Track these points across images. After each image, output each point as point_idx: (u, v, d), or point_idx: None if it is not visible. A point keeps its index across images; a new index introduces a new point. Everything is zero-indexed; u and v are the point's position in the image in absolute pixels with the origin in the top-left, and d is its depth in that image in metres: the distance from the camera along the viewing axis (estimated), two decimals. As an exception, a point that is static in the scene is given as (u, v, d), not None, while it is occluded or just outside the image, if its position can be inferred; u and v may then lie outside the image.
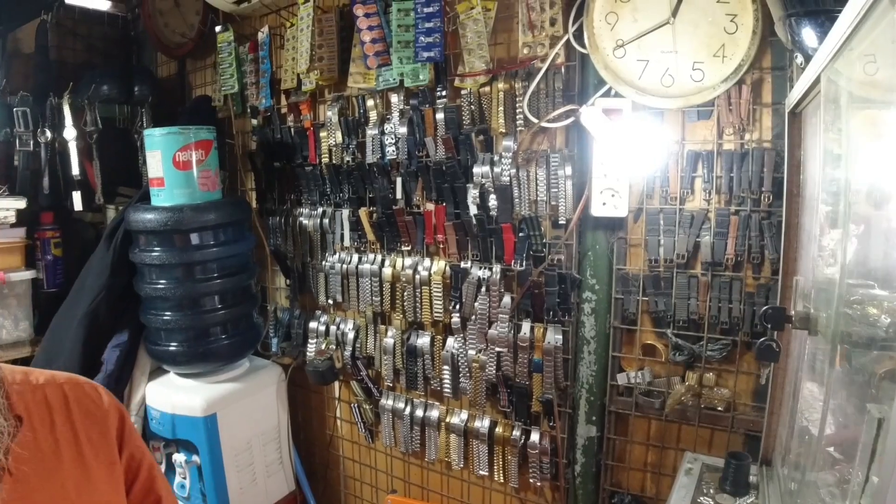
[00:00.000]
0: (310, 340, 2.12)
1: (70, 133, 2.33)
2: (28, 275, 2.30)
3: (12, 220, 2.23)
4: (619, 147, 1.45)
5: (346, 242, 2.04)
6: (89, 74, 2.46)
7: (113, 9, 2.88)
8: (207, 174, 1.96)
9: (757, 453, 1.31)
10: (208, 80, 2.47)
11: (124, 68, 2.68)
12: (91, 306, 2.02)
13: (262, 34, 2.11)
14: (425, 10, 1.67)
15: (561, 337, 1.59)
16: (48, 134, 2.34)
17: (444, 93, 1.75)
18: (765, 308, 0.96)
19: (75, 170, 2.36)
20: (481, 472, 1.81)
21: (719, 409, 1.43)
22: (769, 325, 0.93)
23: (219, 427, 1.90)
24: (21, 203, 2.24)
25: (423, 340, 1.85)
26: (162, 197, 1.91)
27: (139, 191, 2.39)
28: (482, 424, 1.77)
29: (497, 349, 1.67)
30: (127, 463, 0.81)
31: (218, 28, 2.20)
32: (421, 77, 1.75)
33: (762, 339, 0.97)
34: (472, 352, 1.74)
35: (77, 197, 2.37)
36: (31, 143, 2.32)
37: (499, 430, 1.75)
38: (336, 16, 1.93)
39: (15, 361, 2.20)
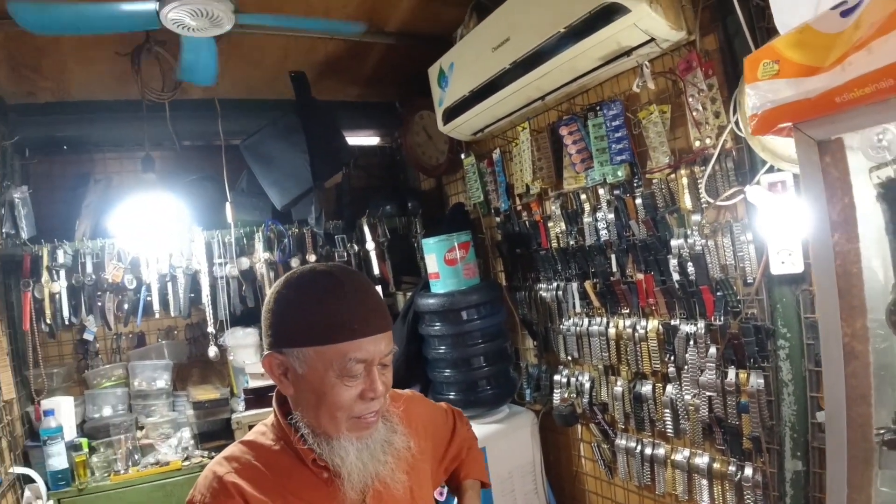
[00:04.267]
0: (555, 390, 2.68)
1: (370, 245, 3.35)
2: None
3: (338, 310, 3.29)
4: (785, 214, 1.78)
5: (577, 309, 2.59)
6: (375, 199, 3.52)
7: (381, 142, 4.00)
8: (469, 266, 2.73)
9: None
10: (460, 190, 3.31)
11: (397, 189, 3.72)
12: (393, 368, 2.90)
13: (495, 155, 2.86)
14: (613, 123, 2.21)
15: (762, 381, 1.90)
16: (355, 247, 3.39)
17: (639, 183, 2.24)
18: None
19: (375, 270, 3.36)
20: (705, 504, 2.14)
21: (919, 441, 1.61)
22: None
23: (487, 458, 2.55)
24: (343, 298, 3.29)
25: (646, 388, 2.28)
26: (438, 286, 2.73)
27: (418, 279, 3.29)
28: (702, 461, 2.10)
29: (707, 394, 2.03)
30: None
31: (462, 155, 3.03)
32: (619, 174, 2.26)
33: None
34: (687, 396, 2.12)
35: (378, 289, 3.37)
36: (346, 254, 3.39)
37: (716, 465, 2.06)
38: (548, 133, 2.57)
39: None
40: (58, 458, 2.72)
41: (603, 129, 2.26)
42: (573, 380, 2.62)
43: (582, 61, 2.14)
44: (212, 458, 2.80)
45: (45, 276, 2.88)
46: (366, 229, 3.40)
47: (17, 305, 3.01)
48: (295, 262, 3.24)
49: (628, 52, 2.03)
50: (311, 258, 3.26)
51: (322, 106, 3.12)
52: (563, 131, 2.39)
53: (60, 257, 2.92)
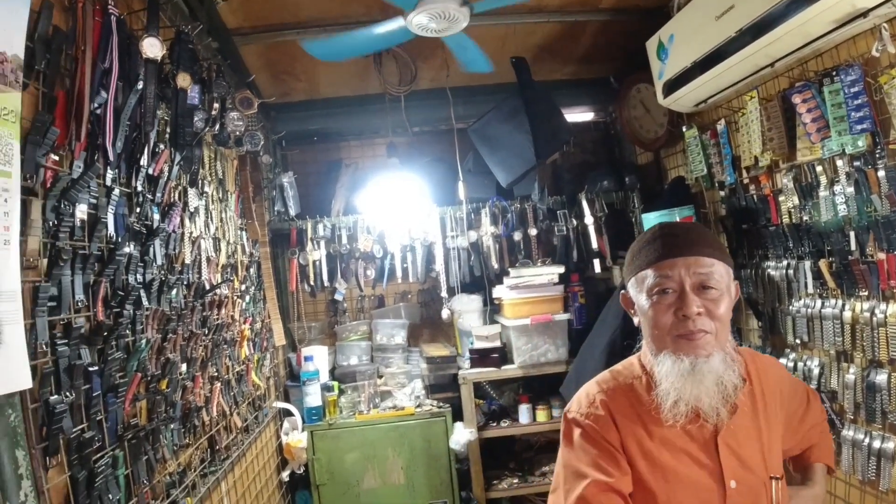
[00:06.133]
0: (780, 374, 2.66)
1: (588, 219, 3.56)
2: (565, 316, 3.55)
3: (555, 280, 3.54)
4: None
5: (809, 289, 2.52)
6: (593, 175, 3.71)
7: (595, 117, 4.15)
8: (686, 242, 2.80)
9: None
10: (679, 163, 3.34)
11: (614, 164, 3.85)
12: (611, 337, 3.09)
13: (720, 126, 2.85)
14: (851, 90, 2.12)
15: None
16: (573, 221, 3.62)
17: (882, 153, 2.12)
18: None
19: (594, 244, 3.56)
20: (929, 506, 2.01)
21: None
22: None
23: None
24: (560, 269, 3.55)
25: (881, 377, 2.17)
26: (653, 262, 2.85)
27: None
28: (933, 459, 2.00)
29: (951, 388, 1.92)
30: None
31: (684, 128, 3.06)
32: (859, 144, 2.16)
33: None
34: (927, 389, 2.01)
35: (596, 263, 3.57)
36: (565, 229, 3.64)
37: (949, 465, 1.95)
38: (778, 101, 2.50)
39: (555, 374, 3.48)
40: (314, 397, 3.47)
41: (840, 95, 2.17)
42: (801, 364, 2.57)
43: (814, 26, 2.09)
44: (440, 407, 3.37)
45: (308, 246, 3.64)
46: (584, 204, 3.61)
47: (282, 270, 3.86)
48: (517, 236, 3.60)
49: (865, 14, 1.95)
50: (532, 231, 3.60)
51: (541, 87, 3.38)
52: (797, 99, 2.34)
53: (321, 230, 3.66)
